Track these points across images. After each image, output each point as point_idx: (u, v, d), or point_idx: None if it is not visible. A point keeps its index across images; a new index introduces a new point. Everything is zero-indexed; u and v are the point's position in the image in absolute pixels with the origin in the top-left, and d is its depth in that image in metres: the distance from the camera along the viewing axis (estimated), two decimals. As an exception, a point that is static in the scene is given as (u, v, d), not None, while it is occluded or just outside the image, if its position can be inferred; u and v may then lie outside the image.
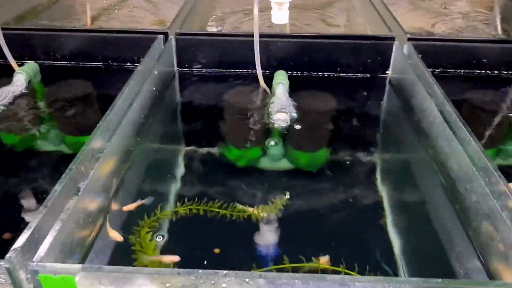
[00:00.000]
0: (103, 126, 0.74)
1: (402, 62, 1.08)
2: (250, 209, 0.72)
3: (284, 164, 0.88)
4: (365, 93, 1.14)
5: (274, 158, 0.88)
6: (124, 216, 0.72)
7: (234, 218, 0.71)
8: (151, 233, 0.67)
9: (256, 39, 1.02)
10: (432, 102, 0.86)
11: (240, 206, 0.72)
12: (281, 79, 1.08)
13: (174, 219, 0.72)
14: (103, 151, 0.71)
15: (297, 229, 0.72)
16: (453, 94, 1.12)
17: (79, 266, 0.50)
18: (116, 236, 0.65)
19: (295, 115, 0.97)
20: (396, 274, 0.63)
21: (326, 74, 1.20)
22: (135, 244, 0.65)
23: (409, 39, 1.14)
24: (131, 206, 0.72)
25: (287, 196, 0.72)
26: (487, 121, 1.03)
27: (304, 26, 1.48)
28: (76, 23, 1.44)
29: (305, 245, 0.69)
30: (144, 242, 0.63)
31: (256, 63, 1.06)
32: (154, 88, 1.00)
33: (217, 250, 0.65)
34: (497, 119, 1.04)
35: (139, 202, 0.73)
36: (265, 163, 0.88)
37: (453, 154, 0.76)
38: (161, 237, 0.67)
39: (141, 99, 0.91)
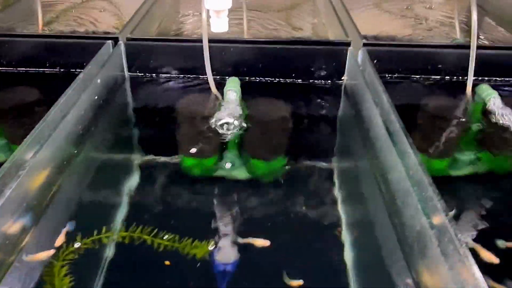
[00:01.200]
0: (31, 138, 0.70)
1: (356, 68, 1.06)
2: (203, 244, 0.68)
3: (242, 174, 0.85)
4: (320, 101, 1.12)
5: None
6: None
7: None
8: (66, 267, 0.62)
9: (206, 44, 0.99)
10: (378, 111, 0.84)
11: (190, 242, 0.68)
12: (231, 86, 1.05)
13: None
14: (26, 166, 0.67)
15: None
16: (407, 101, 1.11)
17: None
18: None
19: (239, 123, 0.94)
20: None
21: (282, 80, 1.17)
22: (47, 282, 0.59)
23: (364, 45, 1.12)
24: (60, 240, 0.67)
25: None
26: (442, 129, 1.01)
27: (267, 28, 1.45)
28: (30, 27, 1.39)
29: (260, 258, 0.67)
30: (57, 280, 0.58)
31: (206, 69, 1.03)
32: (96, 97, 0.96)
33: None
34: (452, 127, 1.02)
35: (63, 232, 0.69)
36: (221, 172, 0.86)
37: (392, 166, 0.74)
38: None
39: (80, 108, 0.88)
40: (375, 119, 0.85)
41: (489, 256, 0.66)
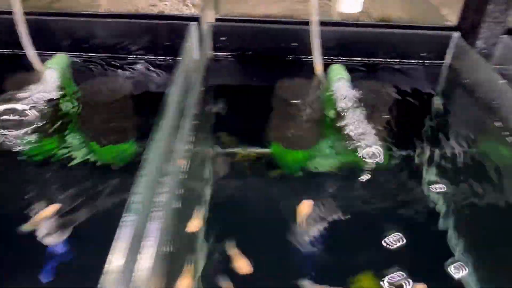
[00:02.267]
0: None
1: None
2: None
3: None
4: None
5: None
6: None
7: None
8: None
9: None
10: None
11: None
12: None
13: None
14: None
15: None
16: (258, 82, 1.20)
17: None
18: None
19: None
20: None
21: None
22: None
23: (217, 20, 1.24)
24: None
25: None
26: (295, 116, 1.07)
27: None
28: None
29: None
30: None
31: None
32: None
33: None
34: (305, 113, 1.07)
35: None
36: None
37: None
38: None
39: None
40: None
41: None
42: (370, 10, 1.45)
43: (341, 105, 1.09)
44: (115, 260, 0.55)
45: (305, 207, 0.77)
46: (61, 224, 0.76)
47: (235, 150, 0.97)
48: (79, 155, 0.93)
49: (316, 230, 0.77)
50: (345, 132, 0.99)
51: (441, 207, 0.84)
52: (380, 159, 0.92)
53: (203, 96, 1.11)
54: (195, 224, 0.74)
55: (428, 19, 1.40)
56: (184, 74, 1.01)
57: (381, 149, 0.94)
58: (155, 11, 1.42)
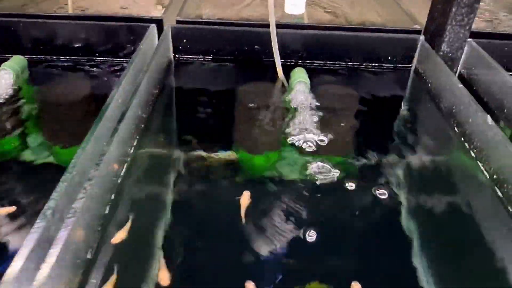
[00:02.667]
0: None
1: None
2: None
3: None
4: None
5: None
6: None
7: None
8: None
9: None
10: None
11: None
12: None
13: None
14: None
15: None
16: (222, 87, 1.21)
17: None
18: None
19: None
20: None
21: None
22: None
23: (178, 22, 1.25)
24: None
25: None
26: (259, 119, 1.06)
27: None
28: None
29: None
30: None
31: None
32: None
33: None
34: (269, 117, 1.06)
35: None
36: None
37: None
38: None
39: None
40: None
41: None
42: (350, 17, 1.43)
43: (297, 109, 1.08)
44: (14, 267, 0.53)
45: (245, 198, 0.76)
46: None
47: (196, 154, 0.94)
48: (38, 157, 0.92)
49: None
50: (291, 139, 0.98)
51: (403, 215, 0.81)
52: (330, 174, 0.89)
53: (156, 99, 1.10)
54: (120, 235, 0.72)
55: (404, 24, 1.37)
56: (133, 77, 1.00)
57: (327, 165, 0.92)
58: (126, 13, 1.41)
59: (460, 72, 1.27)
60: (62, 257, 0.59)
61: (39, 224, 0.60)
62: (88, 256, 0.67)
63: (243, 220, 0.73)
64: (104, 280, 0.65)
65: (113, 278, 0.65)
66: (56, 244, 0.59)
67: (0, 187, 0.83)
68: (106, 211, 0.75)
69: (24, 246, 0.57)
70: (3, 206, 0.79)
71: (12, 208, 0.77)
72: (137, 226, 0.74)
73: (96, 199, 0.71)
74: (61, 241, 0.59)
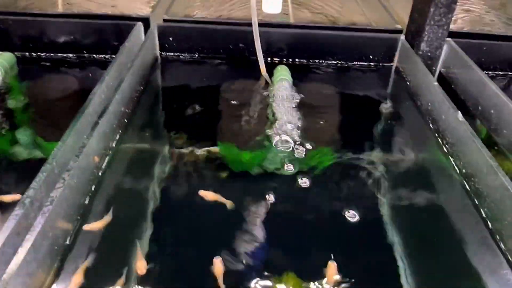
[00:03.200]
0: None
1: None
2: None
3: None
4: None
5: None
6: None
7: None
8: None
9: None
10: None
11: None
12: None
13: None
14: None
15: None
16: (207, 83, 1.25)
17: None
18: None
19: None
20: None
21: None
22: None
23: (165, 21, 1.29)
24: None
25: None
26: (244, 116, 1.09)
27: None
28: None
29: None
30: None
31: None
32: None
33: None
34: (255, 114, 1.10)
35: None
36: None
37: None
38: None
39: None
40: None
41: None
42: (339, 17, 1.47)
43: (278, 106, 1.10)
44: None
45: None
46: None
47: (182, 150, 0.97)
48: (27, 152, 0.94)
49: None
50: (271, 134, 1.01)
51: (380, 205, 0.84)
52: (292, 147, 0.94)
53: (141, 95, 1.12)
54: (96, 225, 0.74)
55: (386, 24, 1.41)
56: (117, 73, 1.02)
57: (291, 139, 0.96)
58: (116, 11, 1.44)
59: (440, 71, 1.30)
60: (40, 243, 0.62)
61: (17, 212, 0.63)
62: (67, 243, 0.70)
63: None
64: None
65: (84, 265, 0.67)
66: (33, 230, 0.62)
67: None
68: (86, 201, 0.78)
69: (1, 232, 0.60)
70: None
71: (17, 196, 0.78)
72: (117, 216, 0.77)
73: (76, 189, 0.74)
74: (38, 227, 0.62)
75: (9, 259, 0.58)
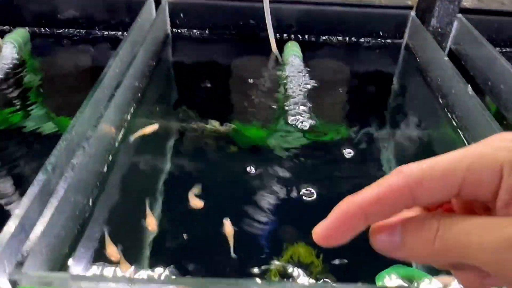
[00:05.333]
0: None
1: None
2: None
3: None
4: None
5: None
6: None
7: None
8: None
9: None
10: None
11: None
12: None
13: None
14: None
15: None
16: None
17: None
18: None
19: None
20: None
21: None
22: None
23: None
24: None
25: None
26: (254, 93, 1.10)
27: None
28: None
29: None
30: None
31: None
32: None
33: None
34: (264, 91, 1.10)
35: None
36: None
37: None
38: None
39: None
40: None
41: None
42: None
43: (289, 82, 1.12)
44: (14, 218, 0.58)
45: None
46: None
47: (193, 125, 0.99)
48: (45, 128, 0.96)
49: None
50: (284, 111, 1.02)
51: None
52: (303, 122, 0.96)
53: (153, 70, 1.14)
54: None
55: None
56: (129, 48, 1.04)
57: (302, 115, 0.98)
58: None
59: (450, 47, 1.30)
60: (62, 208, 0.65)
61: (41, 177, 0.65)
62: (87, 208, 0.73)
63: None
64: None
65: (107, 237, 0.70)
66: (55, 195, 0.64)
67: (5, 156, 0.89)
68: (105, 170, 0.80)
69: (25, 196, 0.62)
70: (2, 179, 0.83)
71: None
72: (131, 185, 0.80)
73: (95, 158, 0.77)
74: (61, 192, 0.64)
75: (34, 222, 0.61)
